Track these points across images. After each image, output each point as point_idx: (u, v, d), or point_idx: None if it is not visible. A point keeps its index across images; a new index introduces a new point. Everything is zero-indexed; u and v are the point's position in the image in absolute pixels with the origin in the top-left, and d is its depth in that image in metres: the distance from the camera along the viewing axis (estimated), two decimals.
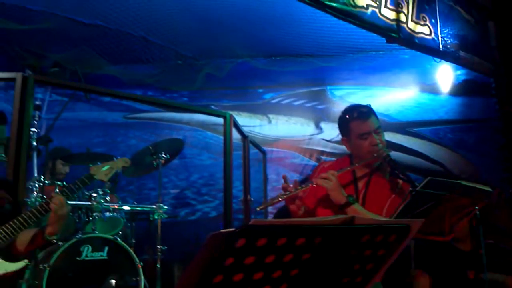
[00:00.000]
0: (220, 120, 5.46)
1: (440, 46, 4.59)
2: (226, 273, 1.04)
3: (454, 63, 4.84)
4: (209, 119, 5.51)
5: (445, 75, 5.42)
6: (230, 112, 4.14)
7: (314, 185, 2.53)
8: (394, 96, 5.69)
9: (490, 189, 2.06)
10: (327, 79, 5.64)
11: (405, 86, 5.63)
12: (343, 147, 5.62)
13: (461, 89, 5.52)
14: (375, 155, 2.66)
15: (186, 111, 4.95)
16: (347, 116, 2.76)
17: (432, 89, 5.53)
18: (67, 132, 5.27)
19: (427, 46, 4.49)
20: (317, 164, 5.68)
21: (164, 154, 4.21)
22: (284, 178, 2.50)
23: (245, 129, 4.71)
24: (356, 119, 2.70)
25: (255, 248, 1.03)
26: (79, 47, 5.14)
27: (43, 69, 5.65)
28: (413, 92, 5.68)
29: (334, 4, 3.69)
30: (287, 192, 2.48)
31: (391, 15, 4.17)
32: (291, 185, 2.51)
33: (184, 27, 5.12)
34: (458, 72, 5.41)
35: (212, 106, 5.59)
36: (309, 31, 5.08)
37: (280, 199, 2.46)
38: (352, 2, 3.83)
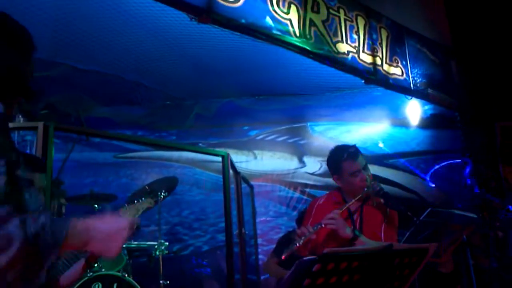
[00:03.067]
0: (208, 157, 5.74)
1: (411, 85, 5.07)
2: None
3: (424, 99, 5.33)
4: (197, 156, 5.78)
5: (414, 110, 5.88)
6: (223, 150, 4.44)
7: (323, 226, 2.85)
8: (369, 130, 6.13)
9: (476, 216, 2.42)
10: (307, 116, 6.04)
11: (378, 121, 6.09)
12: (325, 179, 6.01)
13: (429, 123, 6.01)
14: (365, 189, 3.01)
15: (182, 151, 5.20)
16: (337, 157, 3.12)
17: (403, 123, 5.99)
18: (60, 174, 5.41)
19: (400, 85, 4.96)
20: (302, 196, 6.04)
21: (163, 192, 4.45)
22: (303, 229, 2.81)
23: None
24: (346, 159, 3.06)
25: (325, 271, 1.33)
26: (73, 90, 5.36)
27: (33, 112, 5.82)
28: (386, 126, 6.14)
29: (320, 52, 4.09)
30: (303, 237, 2.78)
31: (368, 59, 4.62)
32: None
33: (173, 71, 5.42)
34: (426, 107, 5.90)
35: (200, 144, 5.87)
36: (290, 73, 5.46)
37: (298, 244, 2.75)
38: (335, 49, 4.25)
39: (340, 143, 6.08)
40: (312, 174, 6.05)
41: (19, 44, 1.51)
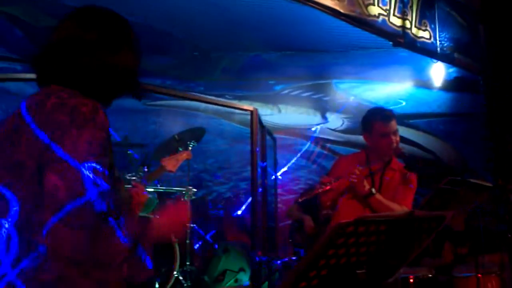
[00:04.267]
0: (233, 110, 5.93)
1: (438, 49, 5.13)
2: (336, 248, 1.58)
3: (450, 63, 5.40)
4: (223, 108, 5.98)
5: (438, 72, 5.93)
6: (248, 103, 4.62)
7: (344, 179, 3.08)
8: (393, 90, 6.25)
9: (491, 185, 2.62)
10: (333, 73, 6.15)
11: (402, 81, 6.19)
12: (346, 135, 6.22)
13: (452, 85, 6.10)
14: (391, 152, 3.22)
15: (213, 104, 5.38)
16: (371, 117, 3.30)
17: (426, 85, 6.09)
18: None
19: (427, 49, 5.03)
20: (323, 151, 6.26)
21: (192, 142, 4.71)
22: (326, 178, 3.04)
23: None
24: (379, 120, 3.23)
25: (356, 232, 1.56)
26: None
27: None
28: (409, 87, 6.25)
29: (352, 14, 4.19)
30: (323, 185, 3.03)
31: (398, 22, 4.68)
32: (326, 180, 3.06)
33: (202, 22, 5.52)
34: (450, 70, 5.96)
35: (227, 96, 6.07)
36: (317, 29, 5.53)
37: (318, 190, 3.00)
38: (366, 12, 4.33)
39: (362, 101, 6.25)
40: (334, 130, 6.25)
41: (130, 41, 1.58)
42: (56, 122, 1.30)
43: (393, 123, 3.21)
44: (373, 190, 3.09)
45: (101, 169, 1.29)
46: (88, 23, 1.52)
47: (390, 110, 3.29)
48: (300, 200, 3.05)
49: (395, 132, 3.22)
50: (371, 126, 3.25)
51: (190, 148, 4.75)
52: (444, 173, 5.33)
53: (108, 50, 1.52)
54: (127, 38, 1.63)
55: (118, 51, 1.54)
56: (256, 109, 4.42)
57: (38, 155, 1.29)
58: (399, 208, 3.03)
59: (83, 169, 1.26)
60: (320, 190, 2.99)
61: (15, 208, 1.30)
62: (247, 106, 4.56)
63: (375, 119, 3.24)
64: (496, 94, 5.82)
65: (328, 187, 3.01)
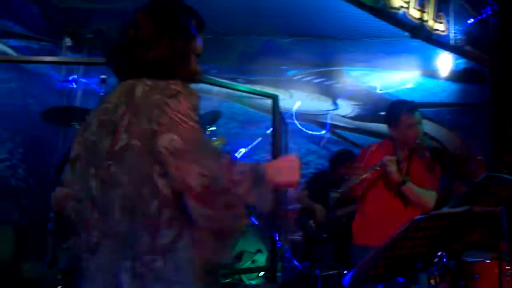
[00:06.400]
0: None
1: (451, 41, 5.27)
2: (407, 240, 1.71)
3: (461, 56, 5.55)
4: (236, 91, 6.03)
5: (446, 63, 6.09)
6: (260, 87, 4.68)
7: (378, 168, 3.22)
8: (403, 78, 6.37)
9: None
10: (344, 60, 6.23)
11: (412, 71, 6.30)
12: (356, 122, 6.35)
13: (460, 76, 6.25)
14: (418, 141, 3.37)
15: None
16: (398, 109, 3.43)
17: (435, 75, 6.22)
18: None
19: (440, 41, 5.17)
20: (333, 137, 6.38)
21: (210, 126, 4.80)
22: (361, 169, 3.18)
23: (268, 101, 5.28)
24: (406, 112, 3.37)
25: (427, 226, 1.70)
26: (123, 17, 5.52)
27: (81, 36, 6.01)
28: (419, 76, 6.37)
29: (375, 6, 4.28)
30: (359, 176, 3.17)
31: (417, 14, 4.80)
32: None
33: (217, 5, 5.54)
34: (459, 61, 6.10)
35: (239, 80, 6.13)
36: (331, 16, 5.59)
37: (355, 181, 3.14)
38: (389, 4, 4.42)
39: (372, 89, 6.36)
40: (344, 116, 6.37)
41: (201, 29, 1.67)
42: None
43: (418, 114, 3.36)
44: (407, 178, 3.23)
45: None
46: (168, 16, 1.57)
47: (413, 102, 3.43)
48: (340, 191, 3.17)
49: (419, 123, 3.37)
50: (397, 119, 3.38)
51: (208, 131, 4.84)
52: (449, 162, 5.48)
53: (186, 40, 1.59)
54: (200, 26, 1.69)
55: (193, 39, 1.61)
56: (277, 96, 4.51)
57: None
58: (429, 195, 3.19)
59: None
60: (358, 182, 3.12)
61: None
62: (269, 92, 4.64)
63: (401, 111, 3.37)
64: (502, 85, 5.99)
65: (364, 177, 3.14)
